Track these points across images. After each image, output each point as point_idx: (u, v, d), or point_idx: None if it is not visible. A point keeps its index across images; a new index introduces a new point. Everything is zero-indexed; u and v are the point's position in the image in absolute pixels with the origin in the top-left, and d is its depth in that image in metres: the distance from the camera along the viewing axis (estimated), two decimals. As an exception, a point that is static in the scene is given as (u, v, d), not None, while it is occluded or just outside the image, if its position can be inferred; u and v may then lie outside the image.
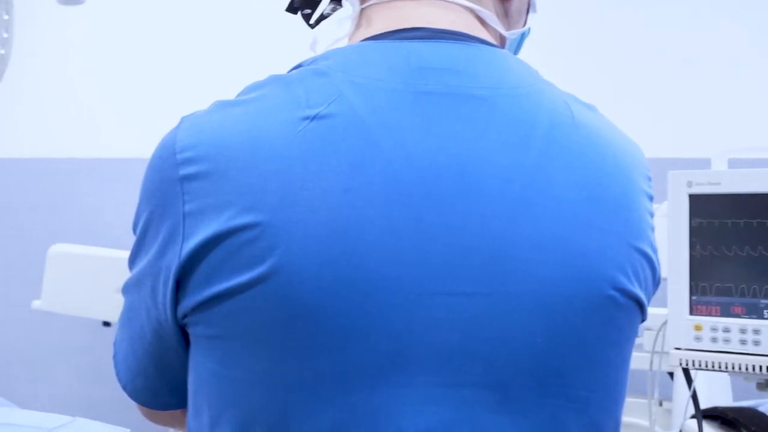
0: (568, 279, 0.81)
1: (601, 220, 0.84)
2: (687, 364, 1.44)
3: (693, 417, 1.59)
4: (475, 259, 0.80)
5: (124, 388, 0.95)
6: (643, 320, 0.90)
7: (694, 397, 1.50)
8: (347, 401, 0.79)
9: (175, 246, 0.81)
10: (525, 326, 0.80)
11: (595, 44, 3.17)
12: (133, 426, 1.44)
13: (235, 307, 0.79)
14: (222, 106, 0.84)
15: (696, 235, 1.44)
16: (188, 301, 0.81)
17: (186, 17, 3.36)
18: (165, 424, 1.04)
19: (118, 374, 0.95)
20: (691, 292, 1.44)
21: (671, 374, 2.17)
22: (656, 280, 0.91)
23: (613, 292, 0.83)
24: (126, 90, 3.36)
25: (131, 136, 3.26)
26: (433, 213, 0.80)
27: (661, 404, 2.30)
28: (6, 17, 1.79)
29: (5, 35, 1.79)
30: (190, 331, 0.84)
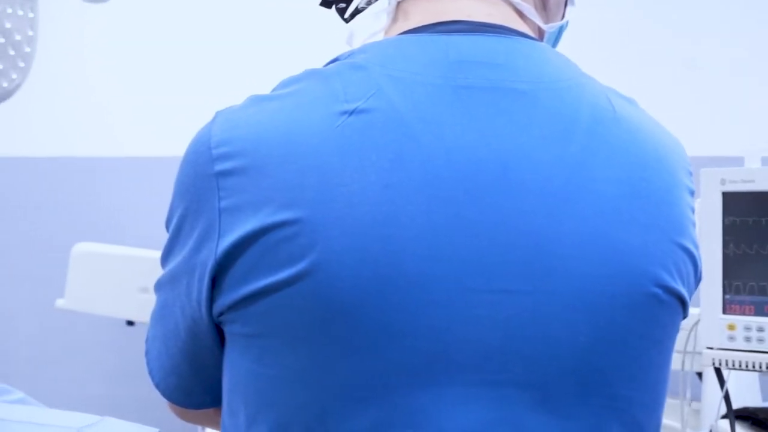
0: (610, 276, 0.80)
1: (644, 216, 0.82)
2: (720, 364, 1.42)
3: (723, 417, 1.57)
4: (515, 256, 0.78)
5: (157, 386, 0.94)
6: (684, 317, 0.88)
7: (727, 398, 1.49)
8: (386, 400, 0.77)
9: (211, 243, 0.80)
10: (567, 324, 0.79)
11: (631, 41, 3.16)
12: (159, 425, 1.43)
13: (272, 305, 0.77)
14: (257, 100, 0.83)
15: (729, 233, 1.42)
16: (224, 299, 0.80)
17: (207, 16, 3.36)
18: (197, 422, 1.03)
19: (150, 372, 0.94)
20: (725, 291, 1.43)
21: (699, 374, 2.15)
22: (698, 277, 0.89)
23: (656, 289, 0.82)
24: (148, 88, 3.37)
25: (155, 134, 3.27)
26: (472, 209, 0.78)
27: (689, 404, 2.28)
28: (31, 15, 1.78)
29: (30, 33, 1.79)
30: (226, 329, 0.83)
